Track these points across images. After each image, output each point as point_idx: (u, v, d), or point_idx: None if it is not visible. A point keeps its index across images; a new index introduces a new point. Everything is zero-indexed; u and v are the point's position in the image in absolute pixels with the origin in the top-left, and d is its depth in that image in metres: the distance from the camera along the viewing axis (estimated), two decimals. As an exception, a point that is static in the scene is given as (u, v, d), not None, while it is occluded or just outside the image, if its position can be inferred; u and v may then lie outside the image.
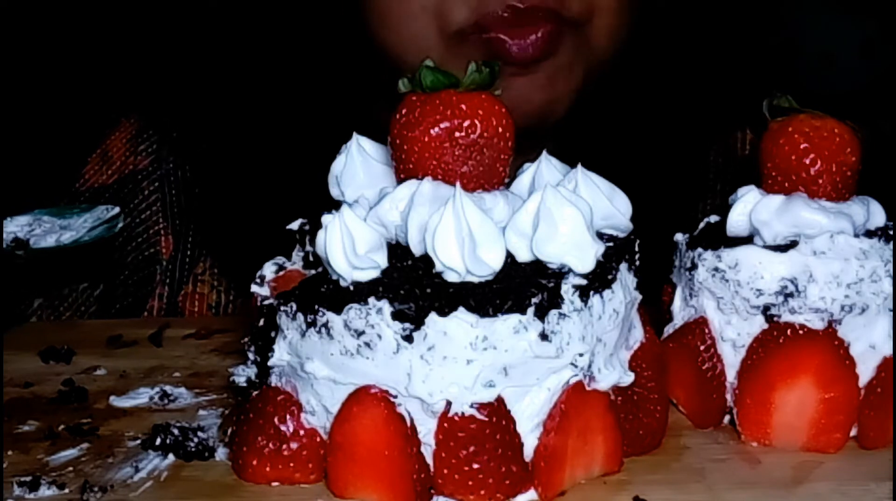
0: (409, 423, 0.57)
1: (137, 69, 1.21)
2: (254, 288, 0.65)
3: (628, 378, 0.61)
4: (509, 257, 0.59)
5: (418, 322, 0.56)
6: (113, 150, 1.08)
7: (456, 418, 0.57)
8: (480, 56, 0.85)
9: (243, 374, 0.63)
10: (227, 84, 1.02)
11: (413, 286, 0.57)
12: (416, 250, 0.60)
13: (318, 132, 0.90)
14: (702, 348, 0.67)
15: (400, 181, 0.63)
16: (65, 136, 1.18)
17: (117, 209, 0.89)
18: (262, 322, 0.62)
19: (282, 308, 0.60)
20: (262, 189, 0.99)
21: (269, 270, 0.66)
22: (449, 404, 0.57)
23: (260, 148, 1.00)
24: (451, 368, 0.56)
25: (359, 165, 0.66)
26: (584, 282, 0.58)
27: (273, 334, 0.61)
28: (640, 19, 0.95)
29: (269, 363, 0.61)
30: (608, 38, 0.92)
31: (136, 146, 1.07)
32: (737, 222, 0.67)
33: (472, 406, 0.56)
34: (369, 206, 0.62)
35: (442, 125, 0.61)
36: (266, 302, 0.62)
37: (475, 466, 0.57)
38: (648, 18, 0.99)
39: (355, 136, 0.67)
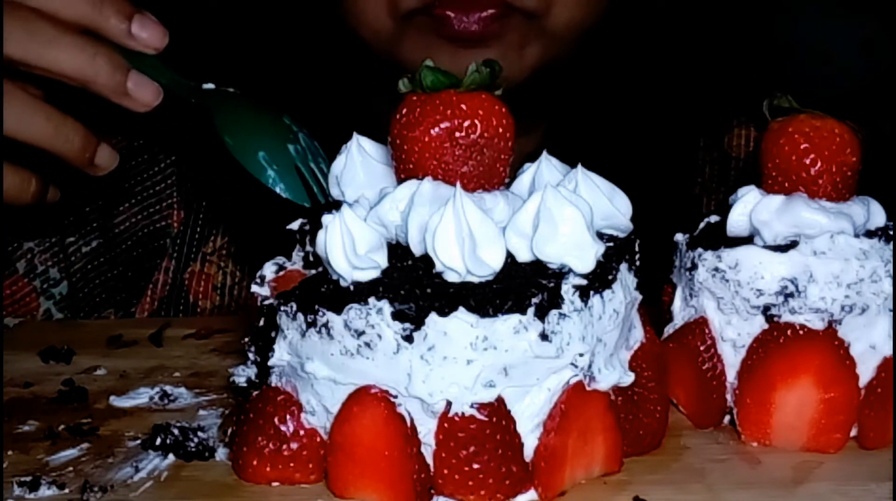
0: (409, 423, 0.57)
1: None
2: (254, 288, 0.65)
3: (628, 378, 0.61)
4: (509, 257, 0.59)
5: (418, 322, 0.56)
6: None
7: (456, 418, 0.56)
8: (428, 35, 0.87)
9: (243, 374, 0.63)
10: (232, 76, 1.02)
11: (413, 286, 0.57)
12: (417, 250, 0.60)
13: (321, 128, 0.90)
14: (702, 348, 0.67)
15: (400, 181, 0.63)
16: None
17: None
18: (262, 322, 0.62)
19: (282, 308, 0.60)
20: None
21: (269, 270, 0.66)
22: (449, 404, 0.57)
23: None
24: (451, 368, 0.56)
25: (359, 165, 0.66)
26: (584, 282, 0.58)
27: (273, 334, 0.61)
28: (622, 10, 0.96)
29: (270, 363, 0.61)
30: (567, 29, 0.93)
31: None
32: (737, 222, 0.67)
33: (472, 406, 0.56)
34: (370, 206, 0.62)
35: (442, 125, 0.61)
36: (266, 302, 0.62)
37: (475, 466, 0.57)
38: (648, 18, 0.99)
39: (355, 136, 0.67)
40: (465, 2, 0.88)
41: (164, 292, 1.03)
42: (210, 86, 0.75)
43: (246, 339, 0.63)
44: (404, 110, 0.62)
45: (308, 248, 0.67)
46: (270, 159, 0.71)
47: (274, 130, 0.72)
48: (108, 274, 1.03)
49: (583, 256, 0.59)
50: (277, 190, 0.70)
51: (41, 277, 1.00)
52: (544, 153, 0.67)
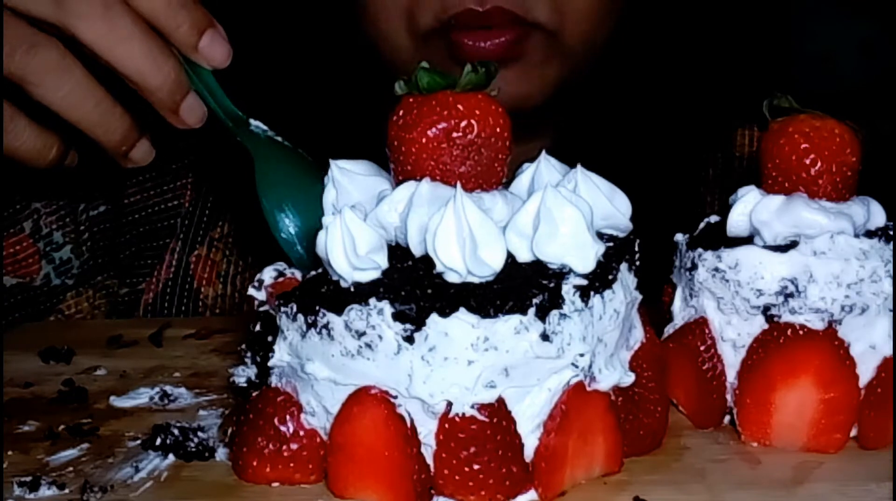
0: (409, 424, 0.57)
1: None
2: (251, 291, 0.65)
3: (629, 379, 0.61)
4: (510, 257, 0.59)
5: (419, 323, 0.56)
6: None
7: (456, 419, 0.56)
8: (443, 57, 0.87)
9: (243, 374, 0.63)
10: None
11: (414, 287, 0.57)
12: (417, 251, 0.60)
13: (324, 131, 0.90)
14: (702, 348, 0.67)
15: (398, 183, 0.63)
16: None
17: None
18: (257, 327, 0.62)
19: (282, 309, 0.60)
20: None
21: (268, 275, 0.66)
22: (450, 404, 0.57)
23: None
24: (452, 369, 0.56)
25: (347, 185, 0.65)
26: (584, 282, 0.58)
27: (270, 338, 0.61)
28: (627, 20, 0.96)
29: (270, 364, 0.61)
30: (583, 43, 0.94)
31: None
32: (737, 222, 0.67)
33: (472, 407, 0.56)
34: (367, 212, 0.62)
35: (439, 126, 0.61)
36: (262, 309, 0.62)
37: (476, 467, 0.57)
38: (648, 18, 0.99)
39: (331, 162, 0.65)
40: (480, 23, 0.88)
41: (170, 274, 1.03)
42: (259, 125, 0.73)
43: (242, 346, 0.63)
44: (401, 112, 0.62)
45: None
46: (302, 235, 0.70)
47: (313, 206, 0.69)
48: (112, 241, 1.02)
49: (583, 256, 0.59)
50: (296, 260, 0.69)
51: (45, 239, 0.99)
52: (543, 153, 0.67)
